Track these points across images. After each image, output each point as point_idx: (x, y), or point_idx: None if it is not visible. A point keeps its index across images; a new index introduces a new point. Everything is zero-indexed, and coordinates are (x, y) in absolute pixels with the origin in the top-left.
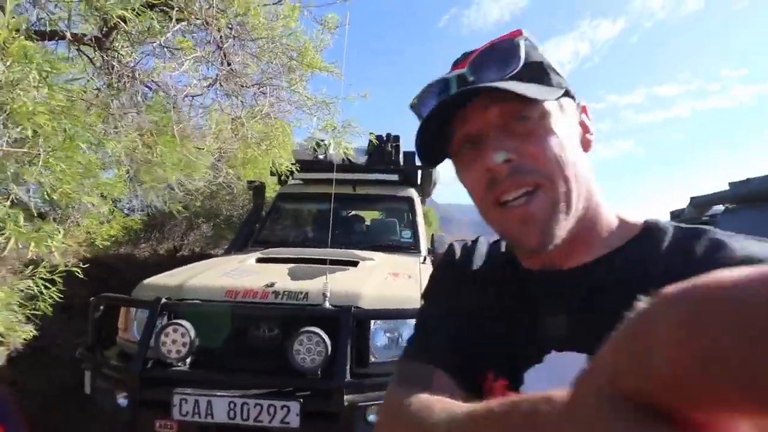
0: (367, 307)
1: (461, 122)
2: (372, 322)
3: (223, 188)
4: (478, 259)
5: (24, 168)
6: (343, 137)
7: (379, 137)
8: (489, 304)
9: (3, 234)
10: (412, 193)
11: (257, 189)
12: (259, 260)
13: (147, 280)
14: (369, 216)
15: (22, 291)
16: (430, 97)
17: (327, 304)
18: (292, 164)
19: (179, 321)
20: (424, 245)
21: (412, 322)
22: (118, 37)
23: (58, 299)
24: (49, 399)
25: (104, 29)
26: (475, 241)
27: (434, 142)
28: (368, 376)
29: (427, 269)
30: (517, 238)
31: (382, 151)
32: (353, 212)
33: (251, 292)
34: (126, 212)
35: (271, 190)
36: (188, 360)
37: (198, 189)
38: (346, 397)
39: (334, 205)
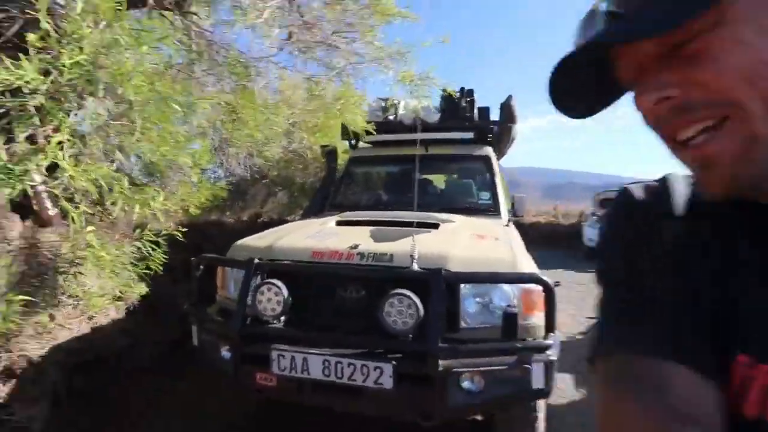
0: (455, 270)
1: (618, 56)
2: (462, 285)
3: (297, 157)
4: (679, 202)
5: (124, 137)
6: (421, 91)
7: (449, 95)
8: (720, 261)
9: (111, 199)
10: (489, 151)
11: (330, 153)
12: (339, 223)
13: (239, 242)
14: (437, 179)
15: (132, 253)
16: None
17: (415, 266)
18: (367, 123)
19: (272, 280)
20: (504, 207)
21: (504, 287)
22: None
23: (163, 260)
24: (162, 350)
25: None
26: (663, 180)
27: (586, 87)
28: (459, 341)
29: (512, 232)
30: (700, 185)
31: (455, 107)
32: (425, 174)
33: (336, 254)
34: (212, 181)
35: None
36: (283, 318)
37: (274, 156)
38: (440, 361)
39: (406, 167)
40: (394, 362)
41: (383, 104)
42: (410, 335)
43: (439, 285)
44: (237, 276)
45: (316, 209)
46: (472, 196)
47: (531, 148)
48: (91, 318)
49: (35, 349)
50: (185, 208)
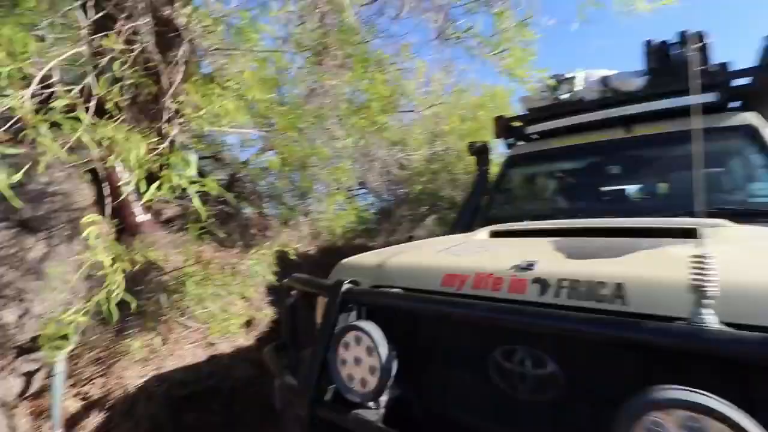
0: None
1: None
2: None
3: (443, 167)
4: None
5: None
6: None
7: (662, 44)
8: None
9: None
10: (752, 118)
11: (480, 152)
12: (495, 234)
13: (347, 259)
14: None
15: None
16: None
17: (711, 319)
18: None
19: (363, 325)
20: None
21: None
22: None
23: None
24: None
25: None
26: None
27: None
28: None
29: None
30: None
31: (674, 60)
32: (634, 169)
33: (490, 279)
34: (362, 206)
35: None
36: (382, 400)
37: (415, 165)
38: None
39: (597, 159)
40: None
41: (553, 80)
42: None
43: None
44: None
45: (465, 224)
46: (730, 192)
47: None
48: (211, 344)
49: (133, 377)
50: (331, 230)
